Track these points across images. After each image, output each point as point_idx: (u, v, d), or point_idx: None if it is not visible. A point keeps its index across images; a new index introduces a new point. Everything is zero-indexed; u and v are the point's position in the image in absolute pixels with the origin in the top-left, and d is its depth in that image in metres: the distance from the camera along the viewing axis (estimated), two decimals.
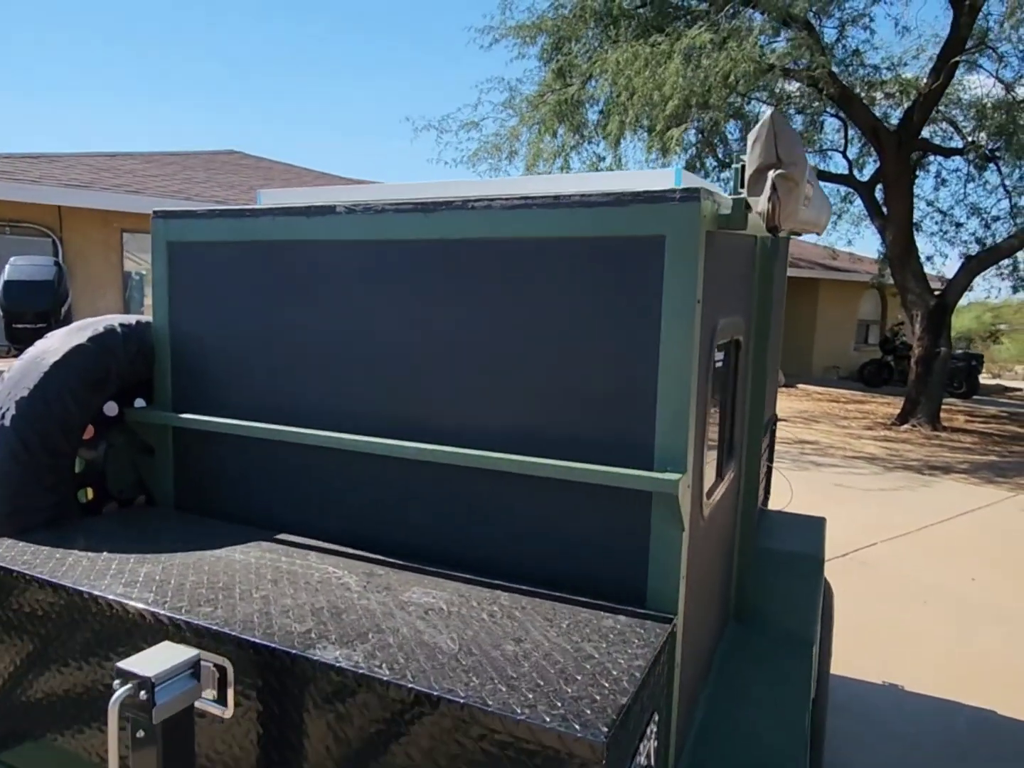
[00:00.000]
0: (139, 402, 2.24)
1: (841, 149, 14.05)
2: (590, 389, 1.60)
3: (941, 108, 12.54)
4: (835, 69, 11.32)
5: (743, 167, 1.46)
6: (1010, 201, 13.97)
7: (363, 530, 1.90)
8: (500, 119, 12.20)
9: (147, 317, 2.27)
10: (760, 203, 1.41)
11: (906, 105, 12.05)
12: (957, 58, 11.31)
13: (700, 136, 12.49)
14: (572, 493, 1.64)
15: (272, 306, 2.00)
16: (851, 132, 13.77)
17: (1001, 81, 11.82)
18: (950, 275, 13.20)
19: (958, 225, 15.13)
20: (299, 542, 1.88)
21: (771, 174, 1.37)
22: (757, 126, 1.43)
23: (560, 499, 1.66)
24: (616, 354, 1.57)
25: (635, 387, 1.56)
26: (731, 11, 11.12)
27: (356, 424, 1.88)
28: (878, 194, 13.24)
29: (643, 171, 1.93)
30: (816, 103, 13.08)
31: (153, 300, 2.20)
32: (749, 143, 1.43)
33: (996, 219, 14.59)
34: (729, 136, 13.40)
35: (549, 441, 1.65)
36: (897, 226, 12.46)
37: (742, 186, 1.45)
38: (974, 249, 14.16)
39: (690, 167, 13.04)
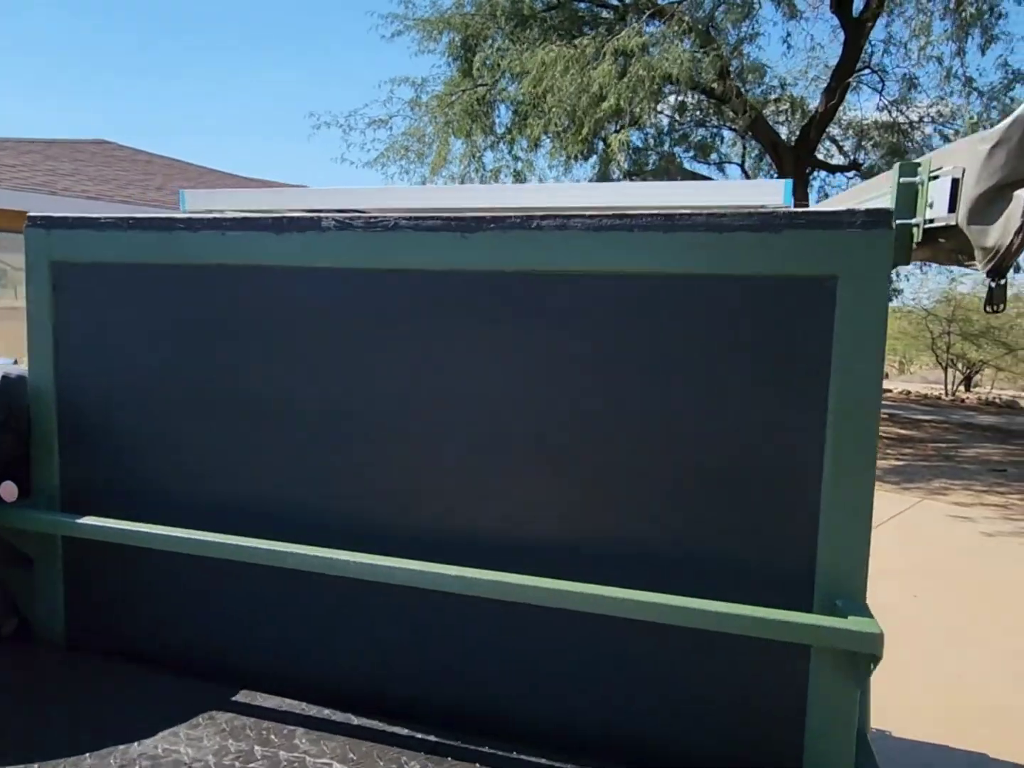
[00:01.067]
0: (7, 488, 1.55)
1: (740, 162, 14.43)
2: (713, 486, 1.13)
3: (835, 126, 13.09)
4: (738, 85, 11.52)
5: (956, 180, 1.05)
6: None
7: (366, 685, 1.33)
8: (411, 117, 11.55)
9: (19, 368, 1.59)
10: (992, 233, 1.00)
11: (802, 123, 12.48)
12: (849, 79, 11.82)
13: (604, 144, 12.38)
14: (708, 642, 1.15)
15: (217, 357, 1.39)
16: (747, 145, 14.17)
17: (891, 103, 12.45)
18: None
19: None
20: (274, 708, 1.29)
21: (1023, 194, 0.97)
22: (1005, 124, 1.03)
23: (688, 649, 1.17)
24: (758, 434, 1.11)
25: (786, 483, 1.10)
26: (636, 22, 11.07)
27: (355, 536, 1.31)
28: None
29: (736, 183, 1.49)
30: (715, 116, 13.36)
31: (29, 345, 1.53)
32: (982, 147, 1.02)
33: None
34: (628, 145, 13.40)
35: (653, 560, 1.16)
36: None
37: (952, 208, 1.04)
38: None
39: (602, 176, 12.94)
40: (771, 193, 1.40)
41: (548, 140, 11.31)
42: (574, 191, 1.53)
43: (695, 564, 1.15)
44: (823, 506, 1.09)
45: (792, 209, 1.08)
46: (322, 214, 1.33)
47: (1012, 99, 11.60)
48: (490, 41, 11.27)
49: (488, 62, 10.63)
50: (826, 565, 1.09)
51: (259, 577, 1.36)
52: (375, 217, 1.27)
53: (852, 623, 1.03)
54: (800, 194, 12.67)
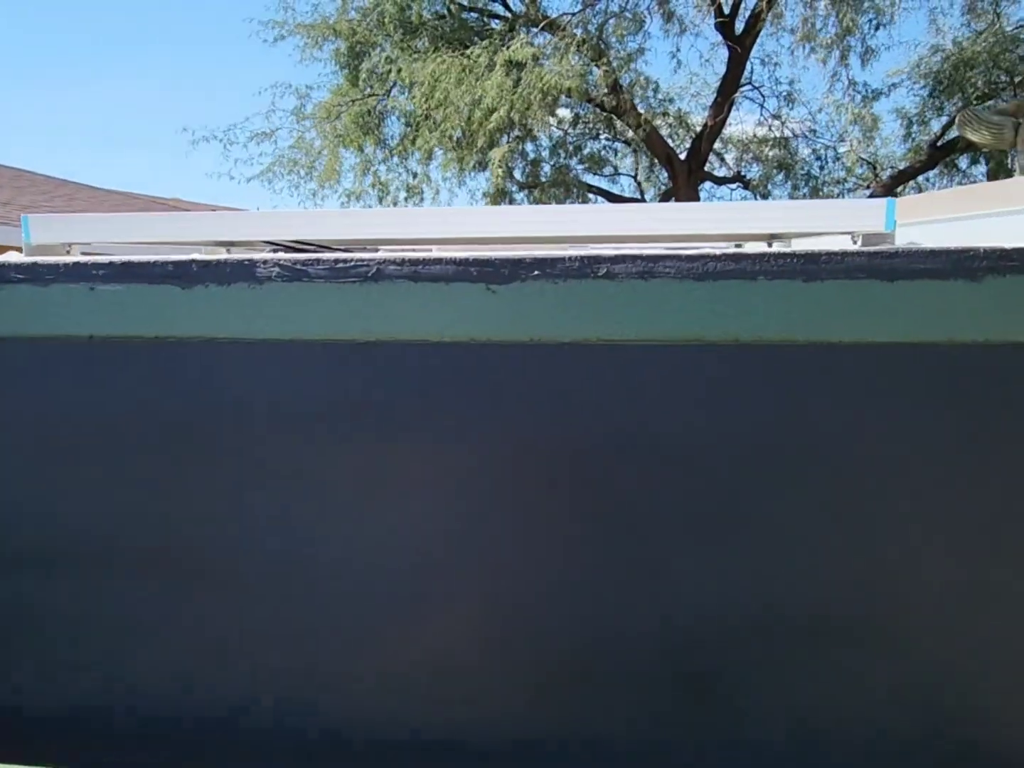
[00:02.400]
0: None
1: (633, 174, 14.62)
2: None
3: (723, 141, 13.50)
4: (631, 98, 11.60)
5: None
6: None
7: None
8: (298, 129, 10.80)
9: None
10: None
11: (692, 137, 12.78)
12: (734, 95, 12.20)
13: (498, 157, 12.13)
14: None
15: (127, 479, 0.90)
16: (640, 157, 14.38)
17: (777, 117, 12.97)
18: None
19: None
20: None
21: None
22: None
23: None
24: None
25: None
26: (525, 33, 10.91)
27: None
28: None
29: (823, 202, 1.15)
30: (608, 129, 13.47)
31: None
32: None
33: None
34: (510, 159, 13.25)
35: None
36: None
37: None
38: None
39: (499, 191, 12.69)
40: (868, 216, 1.07)
41: (442, 152, 10.92)
42: (608, 215, 1.14)
43: None
44: None
45: (994, 247, 0.74)
46: (252, 253, 0.87)
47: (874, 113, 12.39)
48: (379, 50, 10.75)
49: (378, 71, 10.11)
50: None
51: None
52: (345, 259, 0.82)
53: None
54: None
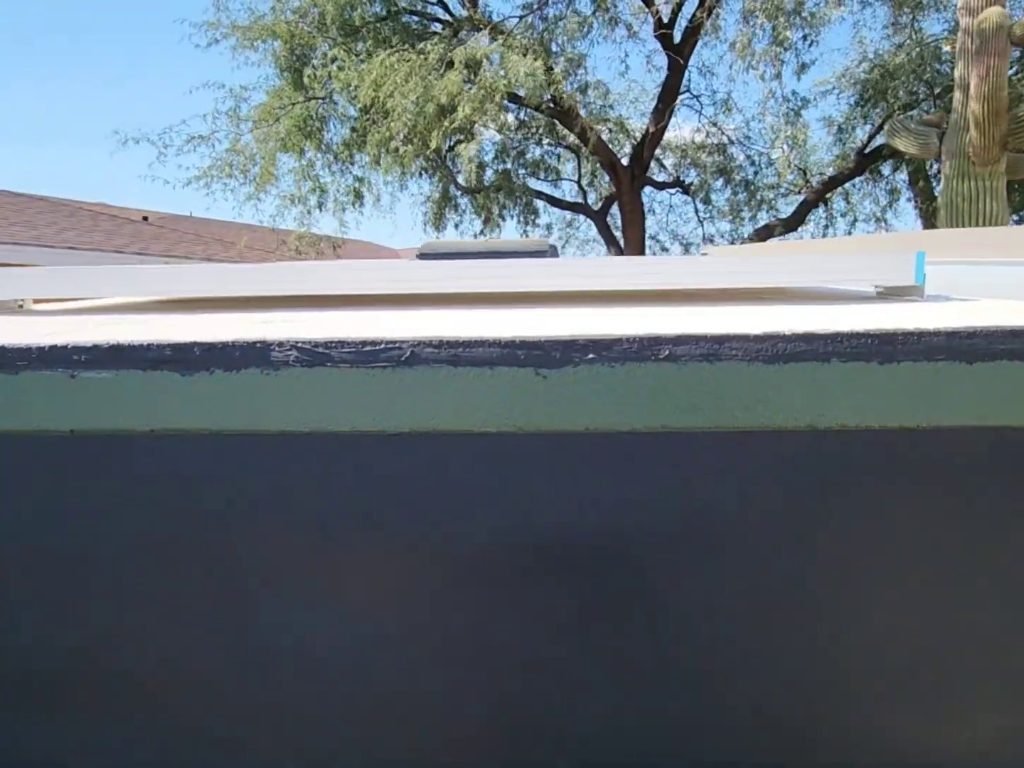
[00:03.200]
0: None
1: (577, 179, 14.70)
2: None
3: (663, 147, 13.71)
4: (575, 104, 11.65)
5: None
6: (703, 230, 15.79)
7: None
8: (237, 133, 10.39)
9: None
10: None
11: (635, 143, 12.93)
12: (674, 102, 12.41)
13: (452, 158, 12.01)
14: None
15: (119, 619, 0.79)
16: (583, 163, 14.45)
17: (714, 124, 13.24)
18: None
19: (664, 249, 16.72)
20: None
21: None
22: None
23: None
24: None
25: None
26: (468, 35, 10.84)
27: None
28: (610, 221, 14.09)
29: (844, 259, 1.12)
30: (551, 135, 13.51)
31: None
32: None
33: (696, 245, 16.41)
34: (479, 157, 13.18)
35: None
36: (633, 252, 13.31)
37: None
38: None
39: (444, 193, 12.57)
40: (896, 269, 1.03)
41: (386, 155, 10.72)
42: (600, 267, 1.07)
43: None
44: None
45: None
46: (266, 333, 0.77)
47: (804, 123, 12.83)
48: (320, 52, 10.47)
49: (318, 74, 9.83)
50: None
51: None
52: (374, 340, 0.73)
53: None
54: (636, 217, 13.10)
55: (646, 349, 0.72)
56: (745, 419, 0.72)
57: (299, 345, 0.73)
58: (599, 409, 0.73)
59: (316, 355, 0.73)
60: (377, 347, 0.73)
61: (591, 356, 0.72)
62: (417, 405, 0.73)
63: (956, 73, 8.56)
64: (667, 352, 0.71)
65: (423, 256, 2.27)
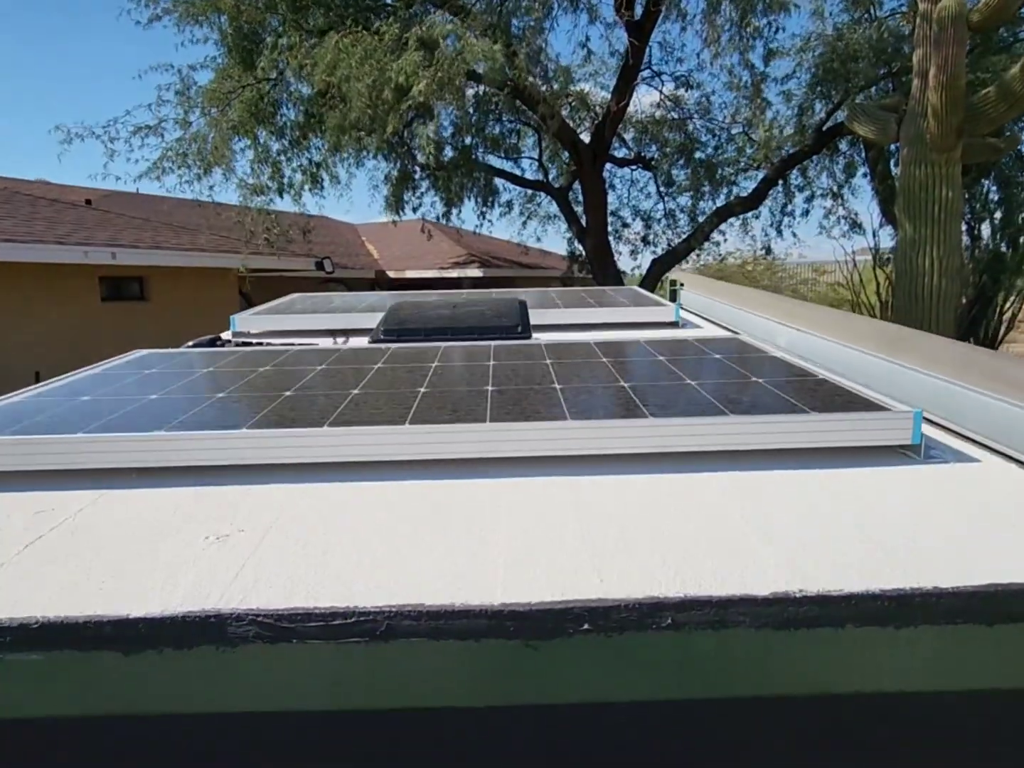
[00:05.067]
0: None
1: (537, 158, 14.46)
2: None
3: (624, 122, 13.54)
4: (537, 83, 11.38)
5: None
6: (664, 205, 15.74)
7: None
8: (186, 119, 9.89)
9: None
10: None
11: (596, 121, 12.74)
12: (635, 81, 12.22)
13: (411, 140, 11.68)
14: None
15: None
16: (543, 140, 14.21)
17: (674, 100, 13.11)
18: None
19: (625, 225, 16.61)
20: None
21: None
22: None
23: None
24: None
25: None
26: (421, 11, 10.48)
27: None
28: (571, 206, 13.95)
29: (838, 415, 1.07)
30: (511, 112, 13.22)
31: None
32: None
33: (657, 221, 16.34)
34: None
35: None
36: (595, 233, 13.20)
37: None
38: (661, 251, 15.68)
39: (402, 174, 12.26)
40: (893, 428, 0.98)
41: (342, 137, 10.36)
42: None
43: None
44: None
45: None
46: (221, 607, 0.68)
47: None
48: (270, 30, 9.99)
49: (270, 55, 9.38)
50: None
51: None
52: (345, 612, 0.65)
53: None
54: (597, 196, 12.96)
55: (647, 617, 0.65)
56: (752, 687, 0.67)
57: (260, 619, 0.65)
58: (594, 681, 0.67)
59: (279, 630, 0.65)
60: (348, 620, 0.65)
61: (585, 626, 0.65)
62: (395, 681, 0.66)
63: (914, 59, 8.59)
64: (668, 620, 0.65)
65: (387, 332, 2.16)
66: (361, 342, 2.60)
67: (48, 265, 8.92)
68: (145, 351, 2.04)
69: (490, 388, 1.49)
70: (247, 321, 2.83)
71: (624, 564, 0.93)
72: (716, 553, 0.94)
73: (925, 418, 1.45)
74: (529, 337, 2.16)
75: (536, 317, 2.72)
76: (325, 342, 2.66)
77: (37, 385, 1.61)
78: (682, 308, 3.67)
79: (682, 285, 3.73)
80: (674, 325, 2.79)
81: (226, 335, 2.78)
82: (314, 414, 1.30)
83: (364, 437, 1.20)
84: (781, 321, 2.42)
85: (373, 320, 2.70)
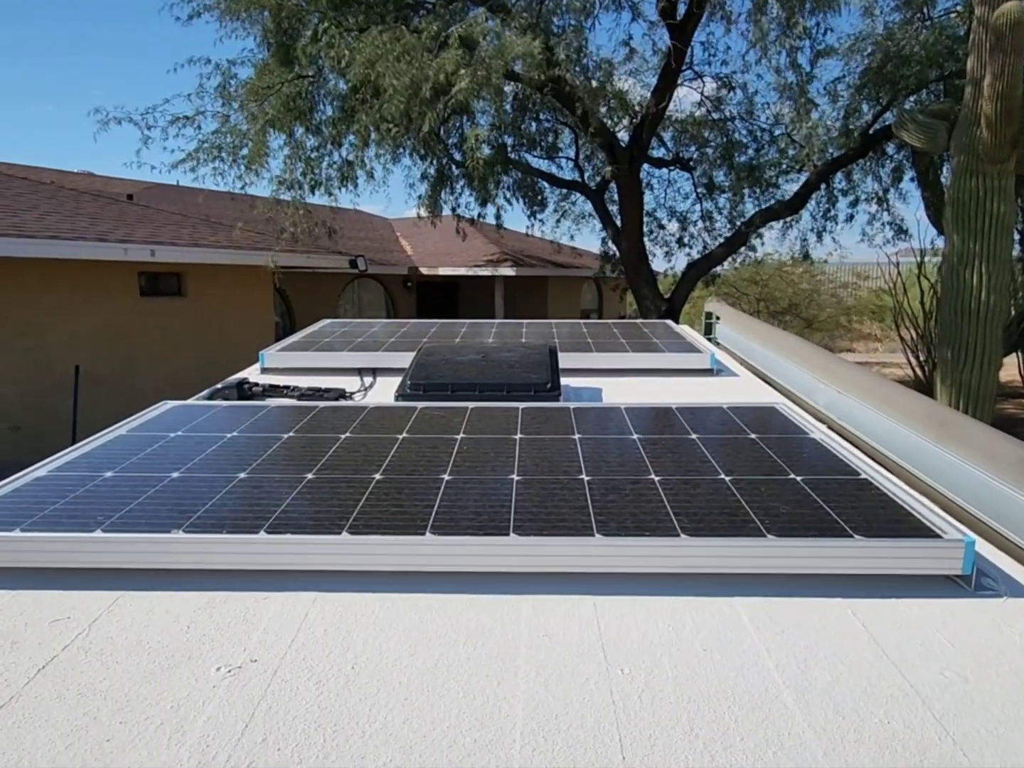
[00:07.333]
0: None
1: (574, 157, 14.32)
2: None
3: (665, 123, 13.33)
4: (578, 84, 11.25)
5: None
6: (701, 206, 15.39)
7: None
8: (222, 112, 9.99)
9: None
10: None
11: (635, 123, 12.55)
12: (677, 81, 12.02)
13: (459, 139, 11.66)
14: None
15: None
16: (580, 140, 14.06)
17: (717, 101, 12.87)
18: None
19: (661, 226, 16.27)
20: None
21: None
22: None
23: None
24: None
25: None
26: (460, 8, 10.42)
27: None
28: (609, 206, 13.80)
29: (891, 543, 1.01)
30: (550, 111, 13.10)
31: None
32: None
33: (694, 223, 15.98)
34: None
35: None
36: (631, 236, 13.03)
37: None
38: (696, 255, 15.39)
39: (440, 173, 12.25)
40: (945, 558, 0.92)
41: (377, 134, 10.36)
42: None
43: None
44: None
45: None
46: None
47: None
48: (311, 26, 10.02)
49: (309, 50, 9.41)
50: None
51: None
52: None
53: None
54: (633, 197, 12.78)
55: None
56: None
57: None
58: None
59: None
60: None
61: None
62: None
63: (968, 64, 8.28)
64: None
65: (414, 387, 2.14)
66: (388, 383, 2.57)
67: (90, 261, 9.10)
68: (171, 403, 2.04)
69: (515, 477, 1.45)
70: (275, 357, 2.83)
71: (648, 731, 0.89)
72: (747, 720, 0.89)
73: (975, 529, 1.37)
74: (559, 396, 2.11)
75: (567, 360, 2.66)
76: (352, 381, 2.65)
77: (60, 454, 1.61)
78: (717, 345, 3.58)
79: (718, 318, 3.64)
80: (709, 372, 2.73)
81: (254, 374, 2.78)
82: (333, 512, 1.28)
83: (384, 547, 1.18)
84: (820, 379, 2.34)
85: (401, 360, 2.68)
